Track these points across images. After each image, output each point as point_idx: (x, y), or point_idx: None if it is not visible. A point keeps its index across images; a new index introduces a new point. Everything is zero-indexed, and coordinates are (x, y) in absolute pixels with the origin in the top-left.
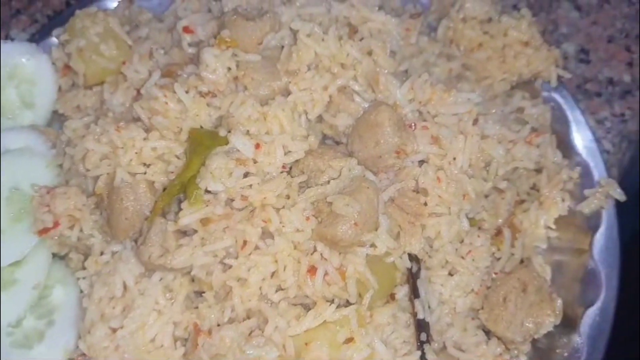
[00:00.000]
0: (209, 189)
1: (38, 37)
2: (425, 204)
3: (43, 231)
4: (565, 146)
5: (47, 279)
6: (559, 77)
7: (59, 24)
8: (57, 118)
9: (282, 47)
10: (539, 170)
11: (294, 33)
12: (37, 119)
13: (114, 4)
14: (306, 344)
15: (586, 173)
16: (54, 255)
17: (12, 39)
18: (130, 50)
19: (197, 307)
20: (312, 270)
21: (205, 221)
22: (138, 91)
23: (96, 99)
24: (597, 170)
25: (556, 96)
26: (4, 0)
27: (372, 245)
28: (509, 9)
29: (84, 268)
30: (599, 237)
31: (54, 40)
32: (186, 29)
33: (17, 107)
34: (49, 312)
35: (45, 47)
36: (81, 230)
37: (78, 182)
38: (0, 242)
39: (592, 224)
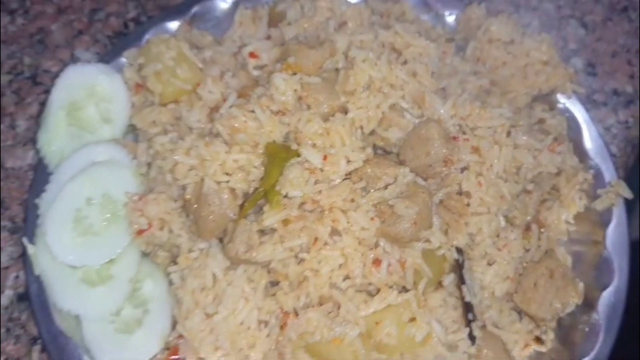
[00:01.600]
0: (289, 195)
1: (108, 58)
2: (468, 204)
3: (139, 232)
4: (579, 151)
5: (138, 273)
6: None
7: (126, 46)
8: (130, 131)
9: (337, 69)
10: (558, 173)
11: (347, 57)
12: (114, 133)
13: (174, 26)
14: (377, 323)
15: (598, 175)
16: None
17: (78, 58)
18: (201, 72)
19: (274, 295)
20: (377, 262)
21: (285, 222)
22: (211, 109)
23: (170, 115)
24: (608, 173)
25: (570, 107)
26: (66, 22)
27: (427, 241)
28: (525, 28)
29: (171, 264)
30: (611, 230)
31: (123, 60)
32: (252, 55)
33: (97, 122)
34: (144, 302)
35: (115, 67)
36: (170, 231)
37: (161, 189)
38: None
39: (604, 219)
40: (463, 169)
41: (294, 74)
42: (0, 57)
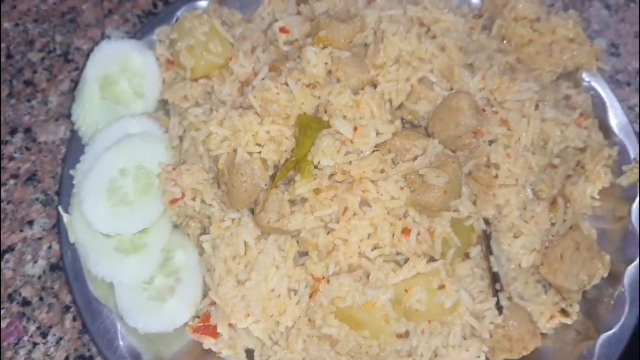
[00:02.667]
0: (321, 164)
1: (139, 35)
2: (496, 176)
3: (173, 201)
4: (604, 128)
5: (169, 243)
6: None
7: (157, 24)
8: (161, 107)
9: (365, 44)
10: (582, 150)
11: (375, 32)
12: (146, 107)
13: (203, 5)
14: (406, 290)
15: (623, 151)
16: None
17: (108, 36)
18: (232, 47)
19: (303, 264)
20: (407, 231)
21: (317, 191)
22: (242, 83)
23: (201, 90)
24: (632, 149)
25: (595, 85)
26: (96, 1)
27: (456, 210)
28: (550, 9)
29: (202, 234)
30: (636, 205)
31: (153, 38)
32: (283, 30)
33: (130, 97)
34: (176, 271)
35: (146, 44)
36: (202, 201)
37: (193, 161)
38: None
39: (629, 194)
40: (491, 142)
41: (325, 47)
42: (33, 35)
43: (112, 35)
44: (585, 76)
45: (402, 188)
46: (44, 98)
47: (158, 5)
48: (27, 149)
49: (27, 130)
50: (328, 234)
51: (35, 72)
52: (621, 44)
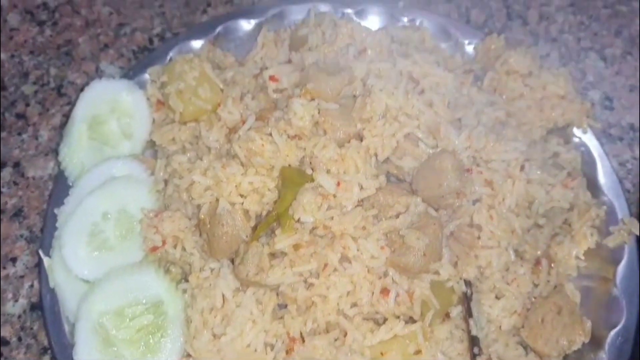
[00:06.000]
0: (301, 219)
1: (132, 73)
2: (479, 237)
3: (153, 249)
4: (592, 186)
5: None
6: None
7: (150, 63)
8: (150, 146)
9: (354, 96)
10: (570, 208)
11: (364, 84)
12: (134, 148)
13: (197, 44)
14: (382, 353)
15: (611, 212)
16: None
17: (102, 71)
18: (222, 93)
19: (281, 318)
20: (385, 291)
21: (296, 246)
22: (230, 130)
23: (189, 133)
24: (621, 210)
25: (586, 141)
26: (93, 35)
27: (436, 272)
28: (543, 60)
29: (183, 280)
30: (622, 268)
31: (146, 76)
32: (272, 78)
33: (118, 137)
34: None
35: (138, 82)
36: (183, 249)
37: (176, 207)
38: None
39: (616, 256)
40: (475, 201)
41: (312, 99)
42: (28, 67)
43: (106, 70)
44: (576, 131)
45: (382, 247)
46: (35, 132)
47: (154, 41)
48: (15, 183)
49: (16, 165)
50: (307, 289)
51: (27, 105)
52: (615, 98)
